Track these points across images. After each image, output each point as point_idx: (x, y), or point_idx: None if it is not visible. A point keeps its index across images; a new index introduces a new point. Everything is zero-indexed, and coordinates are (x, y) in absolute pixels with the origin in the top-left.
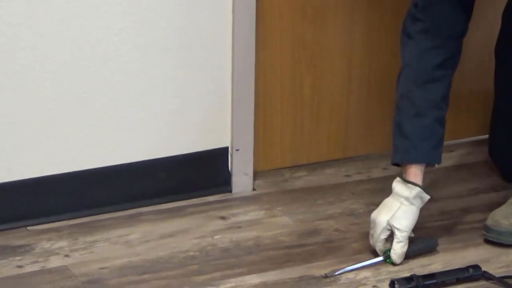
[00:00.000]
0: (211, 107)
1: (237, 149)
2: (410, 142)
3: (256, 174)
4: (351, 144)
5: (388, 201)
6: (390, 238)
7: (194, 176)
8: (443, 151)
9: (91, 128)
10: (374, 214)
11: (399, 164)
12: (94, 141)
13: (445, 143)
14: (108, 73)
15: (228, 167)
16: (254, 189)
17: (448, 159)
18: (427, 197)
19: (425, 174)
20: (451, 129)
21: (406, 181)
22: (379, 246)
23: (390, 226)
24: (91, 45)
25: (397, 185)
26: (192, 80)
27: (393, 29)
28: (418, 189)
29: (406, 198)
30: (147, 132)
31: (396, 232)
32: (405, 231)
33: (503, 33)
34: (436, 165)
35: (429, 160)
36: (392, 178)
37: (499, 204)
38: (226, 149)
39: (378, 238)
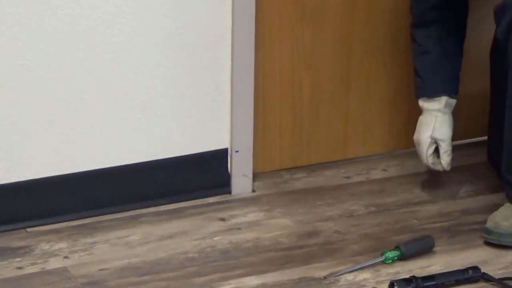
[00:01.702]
0: (210, 108)
1: (237, 150)
2: (421, 79)
3: (256, 176)
4: (350, 145)
5: (423, 119)
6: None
7: (194, 178)
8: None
9: (91, 128)
10: (415, 136)
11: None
12: (94, 141)
13: None
14: (108, 73)
15: (227, 168)
16: (253, 191)
17: None
18: (454, 101)
19: (423, 176)
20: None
21: (431, 98)
22: (431, 160)
23: (434, 140)
24: (91, 45)
25: (425, 103)
26: (191, 81)
27: (393, 29)
28: (445, 97)
29: (438, 110)
30: (146, 133)
31: (440, 143)
32: (447, 139)
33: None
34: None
35: (441, 92)
36: (392, 179)
37: (498, 205)
38: (226, 150)
39: (427, 154)
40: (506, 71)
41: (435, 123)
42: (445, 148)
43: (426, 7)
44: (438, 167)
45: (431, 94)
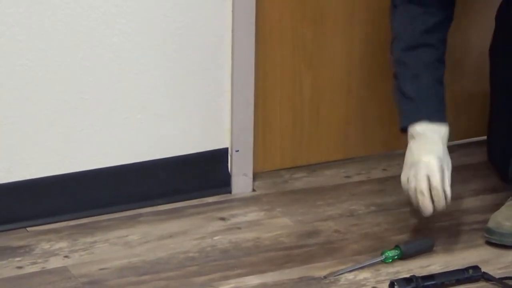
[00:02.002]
0: (210, 107)
1: (237, 150)
2: (414, 103)
3: (256, 175)
4: (351, 145)
5: (420, 144)
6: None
7: (194, 177)
8: None
9: (91, 128)
10: (410, 162)
11: (406, 129)
12: (94, 141)
13: None
14: (108, 73)
15: (227, 168)
16: (253, 190)
17: None
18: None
19: None
20: (450, 130)
21: (432, 122)
22: (447, 194)
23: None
24: (91, 45)
25: (422, 127)
26: (192, 80)
27: None
28: (446, 126)
29: (441, 137)
30: (146, 133)
31: (447, 172)
32: (450, 170)
33: (496, 35)
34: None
35: (435, 118)
36: (392, 179)
37: (498, 205)
38: (226, 150)
39: (441, 182)
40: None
41: (442, 150)
42: (450, 179)
43: (422, 29)
44: (441, 204)
45: (434, 118)
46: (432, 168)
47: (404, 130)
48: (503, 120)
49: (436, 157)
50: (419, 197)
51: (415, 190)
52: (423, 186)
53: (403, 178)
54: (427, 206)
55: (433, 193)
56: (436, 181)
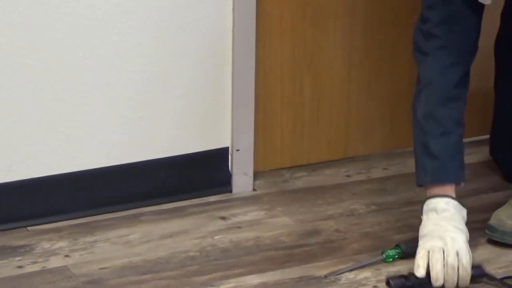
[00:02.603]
0: (211, 107)
1: (237, 149)
2: (440, 162)
3: (256, 174)
4: (351, 144)
5: (451, 221)
6: None
7: (195, 176)
8: None
9: (91, 128)
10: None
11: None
12: (94, 141)
13: None
14: (108, 73)
15: (228, 167)
16: (254, 189)
17: None
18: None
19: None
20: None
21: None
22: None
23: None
24: (91, 45)
25: (449, 205)
26: (192, 80)
27: (393, 29)
28: (465, 209)
29: (463, 220)
30: (147, 132)
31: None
32: None
33: (502, 33)
34: (462, 184)
35: (458, 178)
36: (393, 178)
37: (499, 204)
38: (227, 149)
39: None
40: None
41: (465, 234)
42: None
43: (456, 80)
44: (465, 283)
45: (449, 179)
46: (462, 246)
47: (421, 186)
48: (507, 117)
49: (465, 237)
50: (450, 272)
51: (446, 264)
52: (455, 261)
53: (425, 246)
54: (454, 282)
55: (460, 272)
56: (466, 261)
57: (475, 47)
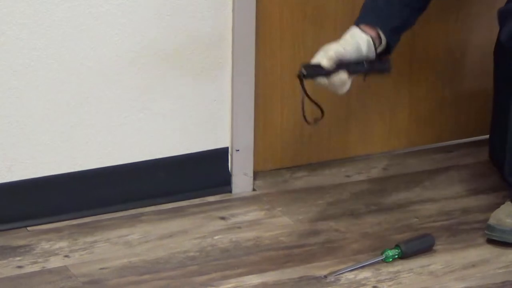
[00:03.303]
0: (211, 107)
1: (237, 149)
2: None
3: (256, 174)
4: (351, 144)
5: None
6: None
7: (194, 177)
8: (443, 152)
9: (91, 128)
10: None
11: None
12: (94, 141)
13: (445, 143)
14: (108, 73)
15: (228, 167)
16: (254, 190)
17: (447, 160)
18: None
19: (424, 175)
20: (451, 129)
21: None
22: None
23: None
24: (91, 45)
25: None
26: (192, 80)
27: None
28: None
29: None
30: (147, 132)
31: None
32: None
33: None
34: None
35: (376, 24)
36: (393, 178)
37: (499, 204)
38: (226, 149)
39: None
40: (509, 71)
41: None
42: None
43: None
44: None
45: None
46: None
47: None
48: (506, 119)
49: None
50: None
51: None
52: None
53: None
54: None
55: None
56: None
57: None
